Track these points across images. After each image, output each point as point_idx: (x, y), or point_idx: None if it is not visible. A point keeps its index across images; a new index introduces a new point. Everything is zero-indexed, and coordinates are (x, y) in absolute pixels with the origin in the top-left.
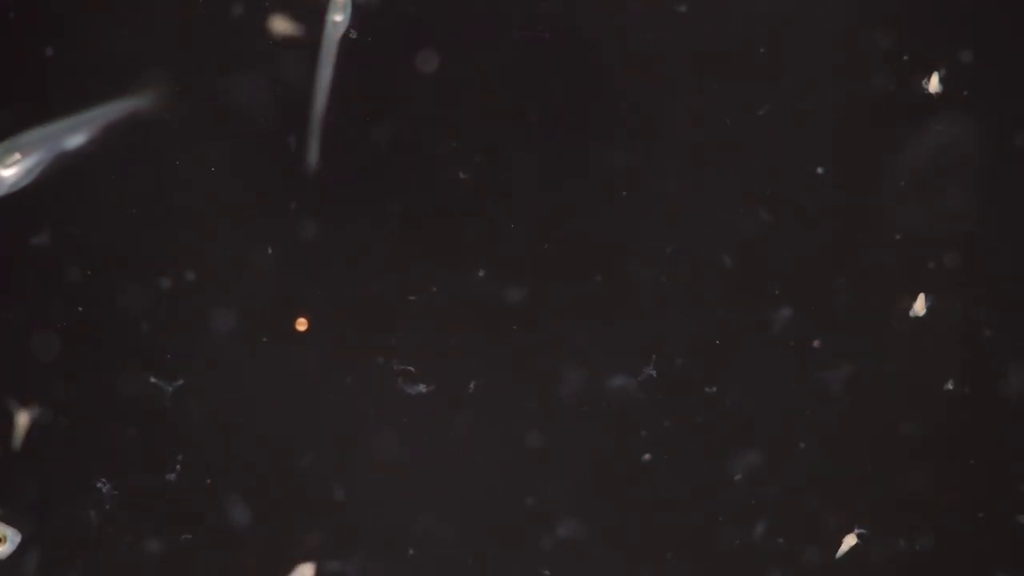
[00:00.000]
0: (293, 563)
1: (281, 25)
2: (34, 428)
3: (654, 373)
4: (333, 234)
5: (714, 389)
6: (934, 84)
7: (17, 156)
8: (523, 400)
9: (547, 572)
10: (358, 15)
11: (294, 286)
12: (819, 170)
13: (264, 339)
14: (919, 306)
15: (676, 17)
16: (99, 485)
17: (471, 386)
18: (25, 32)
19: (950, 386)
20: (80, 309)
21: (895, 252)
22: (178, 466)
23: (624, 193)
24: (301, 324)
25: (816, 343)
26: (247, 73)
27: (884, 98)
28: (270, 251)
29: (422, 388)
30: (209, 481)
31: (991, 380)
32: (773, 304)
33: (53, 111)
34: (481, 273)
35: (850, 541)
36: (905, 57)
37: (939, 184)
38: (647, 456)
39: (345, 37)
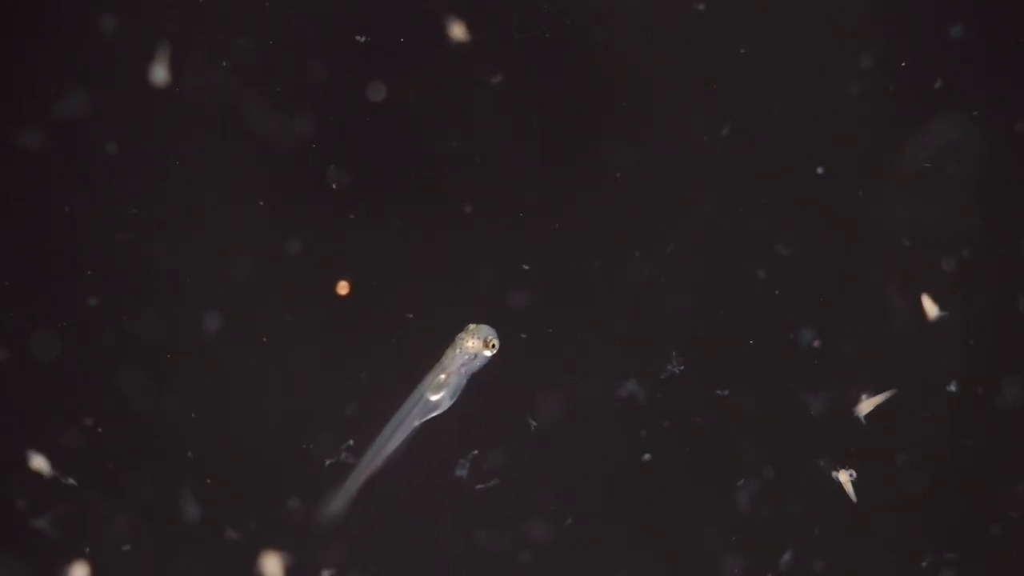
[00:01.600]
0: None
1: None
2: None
3: (677, 371)
4: (331, 239)
5: (726, 392)
6: (929, 308)
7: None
8: (529, 402)
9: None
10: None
11: (291, 289)
12: (819, 170)
13: (264, 339)
14: (929, 309)
15: (692, 16)
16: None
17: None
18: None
19: (953, 388)
20: (81, 309)
21: (896, 255)
22: (178, 465)
23: (627, 192)
24: (343, 288)
25: (816, 343)
26: (251, 77)
27: (884, 99)
28: (266, 257)
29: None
30: (208, 480)
31: (994, 382)
32: (775, 305)
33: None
34: (484, 272)
35: (844, 478)
36: (905, 63)
37: (939, 186)
38: (647, 456)
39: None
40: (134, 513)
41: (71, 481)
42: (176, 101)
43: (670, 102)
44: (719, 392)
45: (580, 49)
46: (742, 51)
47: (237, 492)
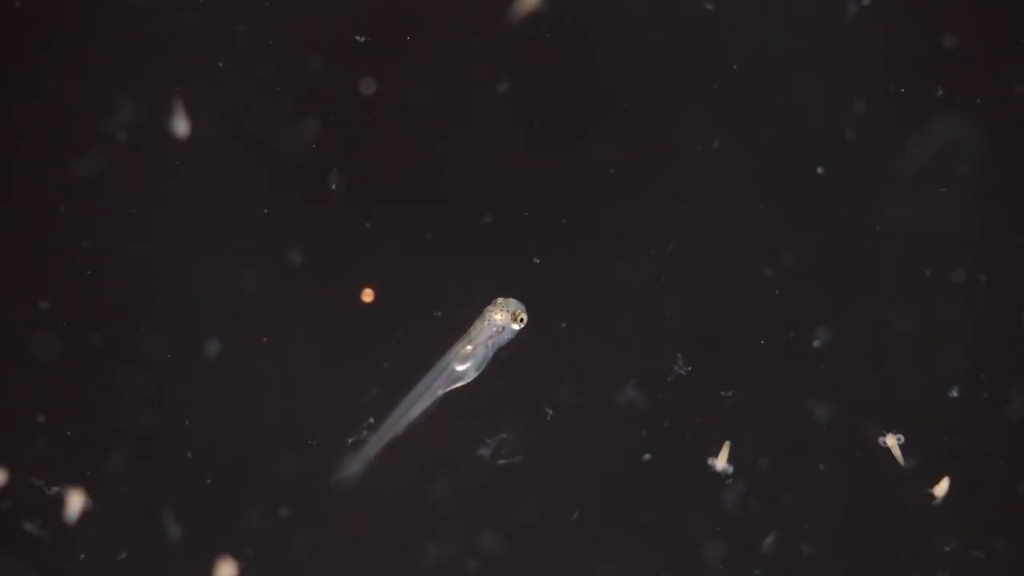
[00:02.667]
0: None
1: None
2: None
3: (684, 372)
4: (331, 239)
5: (726, 392)
6: (941, 489)
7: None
8: (529, 402)
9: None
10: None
11: (291, 289)
12: (819, 170)
13: (264, 339)
14: (940, 490)
15: (692, 16)
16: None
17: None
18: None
19: (955, 393)
20: (81, 309)
21: (895, 256)
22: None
23: (627, 192)
24: (367, 295)
25: (816, 343)
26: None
27: (884, 99)
28: (263, 270)
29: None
30: (208, 480)
31: (997, 386)
32: (775, 305)
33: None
34: (484, 272)
35: (892, 442)
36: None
37: (941, 187)
38: (647, 456)
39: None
40: (133, 513)
41: (70, 480)
42: (176, 102)
43: (670, 102)
44: (720, 393)
45: (580, 49)
46: (742, 51)
47: (237, 492)
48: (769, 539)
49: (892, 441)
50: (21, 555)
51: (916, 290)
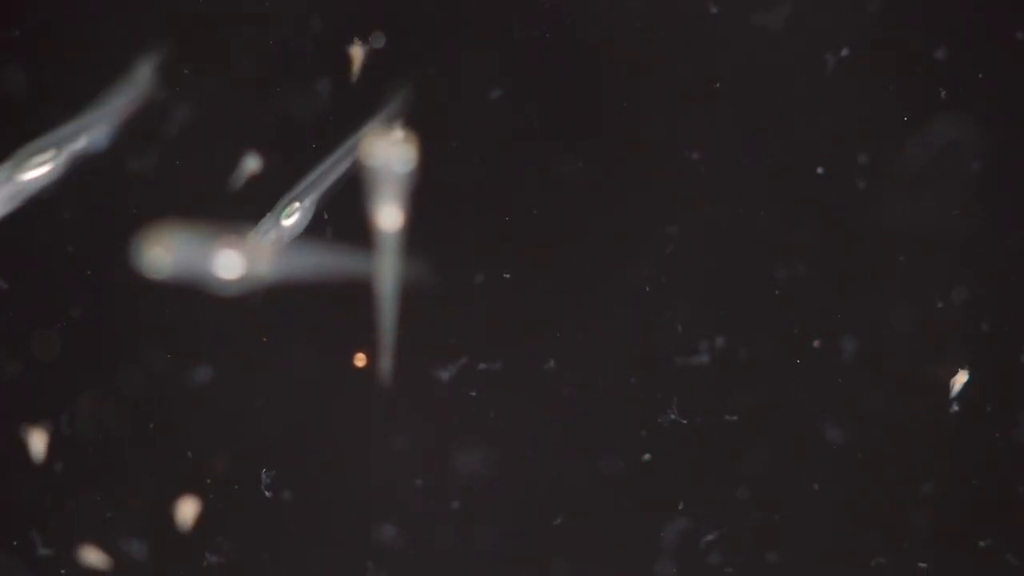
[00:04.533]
0: None
1: None
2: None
3: (676, 417)
4: (329, 238)
5: (725, 391)
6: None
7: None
8: (542, 402)
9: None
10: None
11: (290, 288)
12: (819, 170)
13: (264, 339)
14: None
15: (692, 16)
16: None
17: (471, 392)
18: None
19: (956, 408)
20: (81, 309)
21: (895, 256)
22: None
23: (627, 192)
24: (360, 360)
25: (816, 343)
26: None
27: (884, 99)
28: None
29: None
30: (209, 480)
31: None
32: (775, 304)
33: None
34: (484, 272)
35: (961, 379)
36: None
37: (941, 187)
38: (647, 456)
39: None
40: (132, 512)
41: (71, 480)
42: (175, 104)
43: (670, 102)
44: (719, 390)
45: (580, 49)
46: (742, 51)
47: (236, 491)
48: (766, 540)
49: (961, 378)
50: (21, 555)
51: (916, 291)
